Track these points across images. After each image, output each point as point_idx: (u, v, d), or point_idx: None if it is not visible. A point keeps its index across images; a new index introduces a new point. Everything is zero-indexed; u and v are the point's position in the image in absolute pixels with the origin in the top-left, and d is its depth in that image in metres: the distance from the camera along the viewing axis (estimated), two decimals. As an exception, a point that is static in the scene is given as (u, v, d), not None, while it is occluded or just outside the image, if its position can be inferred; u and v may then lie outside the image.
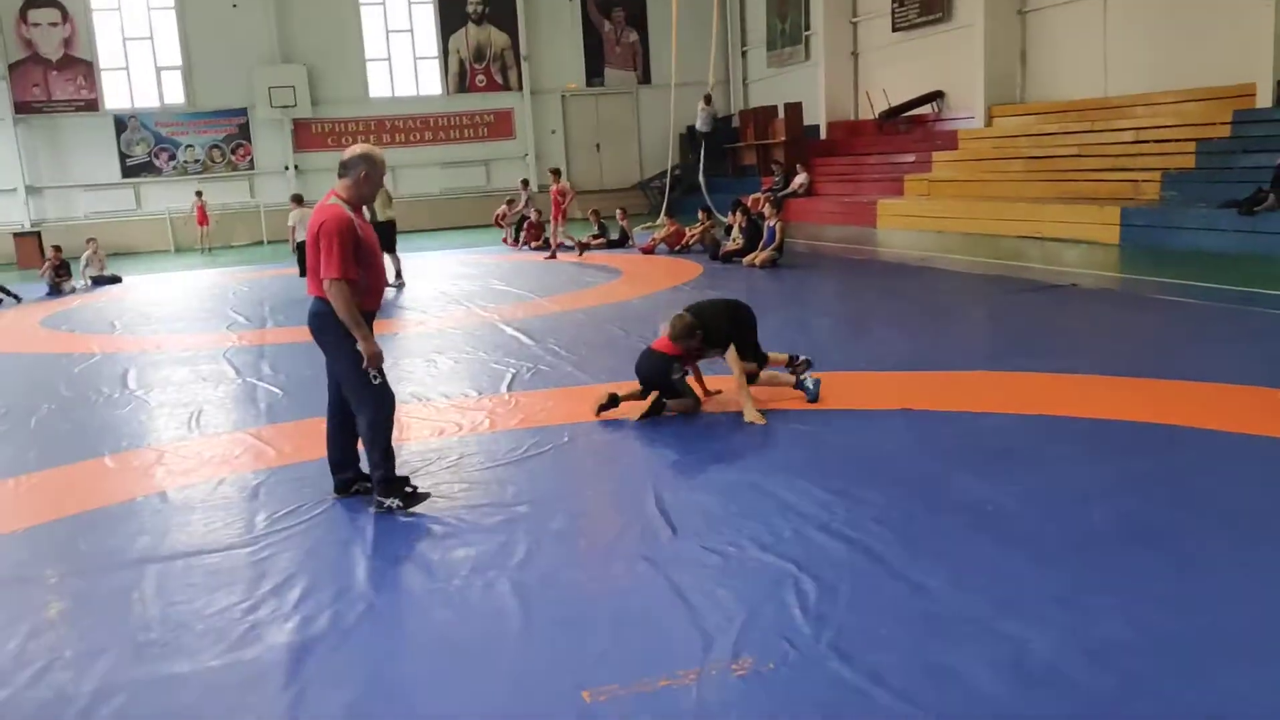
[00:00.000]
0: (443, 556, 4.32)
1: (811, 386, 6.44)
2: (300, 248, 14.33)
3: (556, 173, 17.88)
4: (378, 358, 4.74)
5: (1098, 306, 9.53)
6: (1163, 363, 6.96)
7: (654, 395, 6.29)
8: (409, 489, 4.95)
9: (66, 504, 5.30)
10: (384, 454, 4.87)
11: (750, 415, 6.06)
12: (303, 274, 14.02)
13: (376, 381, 4.80)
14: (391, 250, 14.11)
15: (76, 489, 5.60)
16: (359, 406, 4.84)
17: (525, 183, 21.21)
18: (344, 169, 4.80)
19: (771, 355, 6.77)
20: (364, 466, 5.07)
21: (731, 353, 6.31)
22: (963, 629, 3.37)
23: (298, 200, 15.38)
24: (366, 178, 4.78)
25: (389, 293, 13.43)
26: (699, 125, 22.64)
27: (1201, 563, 3.80)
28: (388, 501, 4.85)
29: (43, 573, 4.36)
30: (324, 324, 4.75)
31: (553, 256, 16.95)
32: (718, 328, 6.38)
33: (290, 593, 3.99)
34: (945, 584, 3.71)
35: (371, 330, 4.79)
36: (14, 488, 5.69)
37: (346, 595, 3.95)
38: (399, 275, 14.23)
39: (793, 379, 6.59)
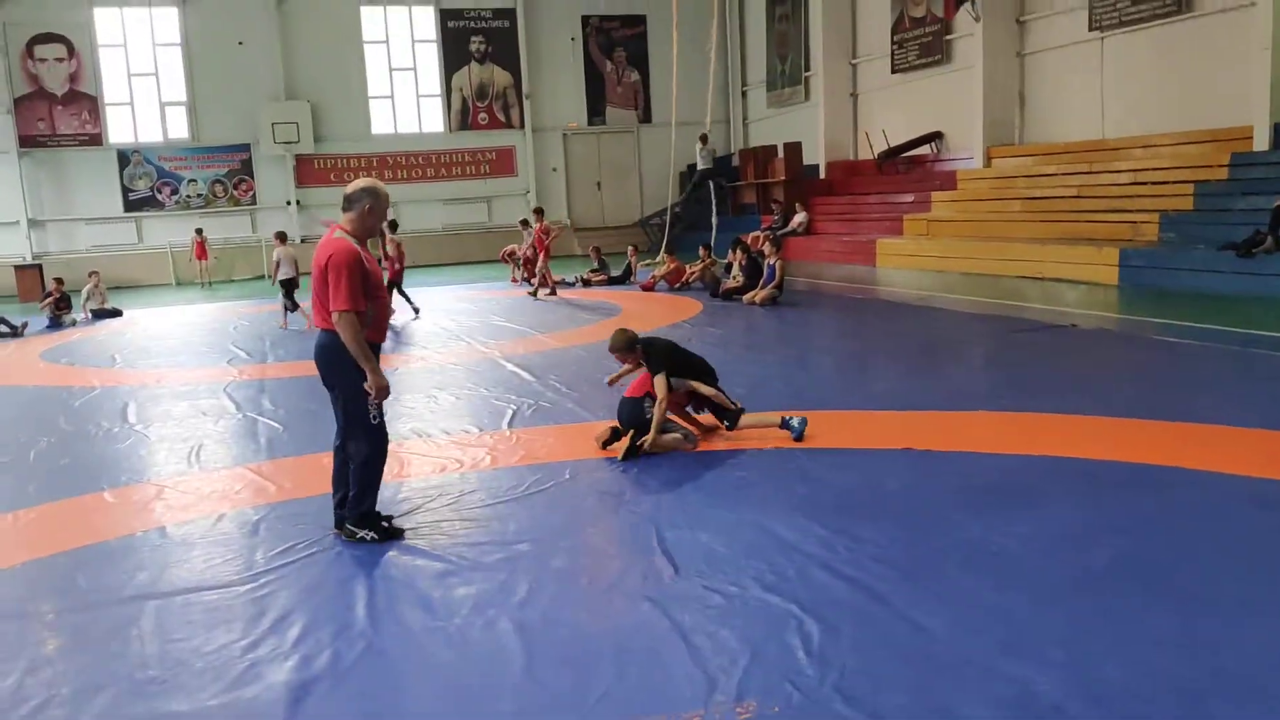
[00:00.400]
0: (443, 595, 4.30)
1: (797, 425, 6.45)
2: (284, 284, 14.40)
3: (539, 212, 17.74)
4: (385, 390, 4.79)
5: (1097, 347, 9.55)
6: (1162, 404, 6.97)
7: (630, 434, 6.32)
8: (385, 524, 5.01)
9: (65, 539, 5.29)
10: (370, 488, 4.96)
11: (649, 440, 6.19)
12: (288, 310, 14.13)
13: (375, 421, 4.87)
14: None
15: (75, 523, 5.58)
16: (356, 440, 4.90)
17: (525, 222, 21.16)
18: (348, 203, 4.83)
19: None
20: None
21: (660, 378, 6.34)
22: (966, 671, 3.35)
23: (281, 238, 15.40)
24: (370, 211, 4.82)
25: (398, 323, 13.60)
26: (700, 164, 22.81)
27: (1203, 604, 3.79)
28: (361, 533, 4.92)
29: (41, 608, 4.34)
30: (330, 357, 4.80)
31: (552, 293, 16.93)
32: (660, 355, 6.47)
33: (290, 630, 3.97)
34: (948, 625, 3.69)
35: (378, 362, 4.81)
36: (13, 522, 5.67)
37: (346, 633, 3.93)
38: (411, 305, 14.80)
39: (778, 418, 6.60)
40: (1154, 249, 13.79)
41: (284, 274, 14.55)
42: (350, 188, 4.88)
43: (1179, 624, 3.63)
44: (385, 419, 4.98)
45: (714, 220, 22.16)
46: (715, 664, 3.48)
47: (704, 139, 22.80)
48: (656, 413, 6.29)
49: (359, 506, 4.96)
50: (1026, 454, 5.86)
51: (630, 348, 6.59)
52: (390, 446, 5.17)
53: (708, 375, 6.78)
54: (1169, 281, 12.85)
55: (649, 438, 6.25)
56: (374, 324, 4.83)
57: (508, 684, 3.47)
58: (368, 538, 4.91)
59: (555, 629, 3.91)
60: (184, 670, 3.66)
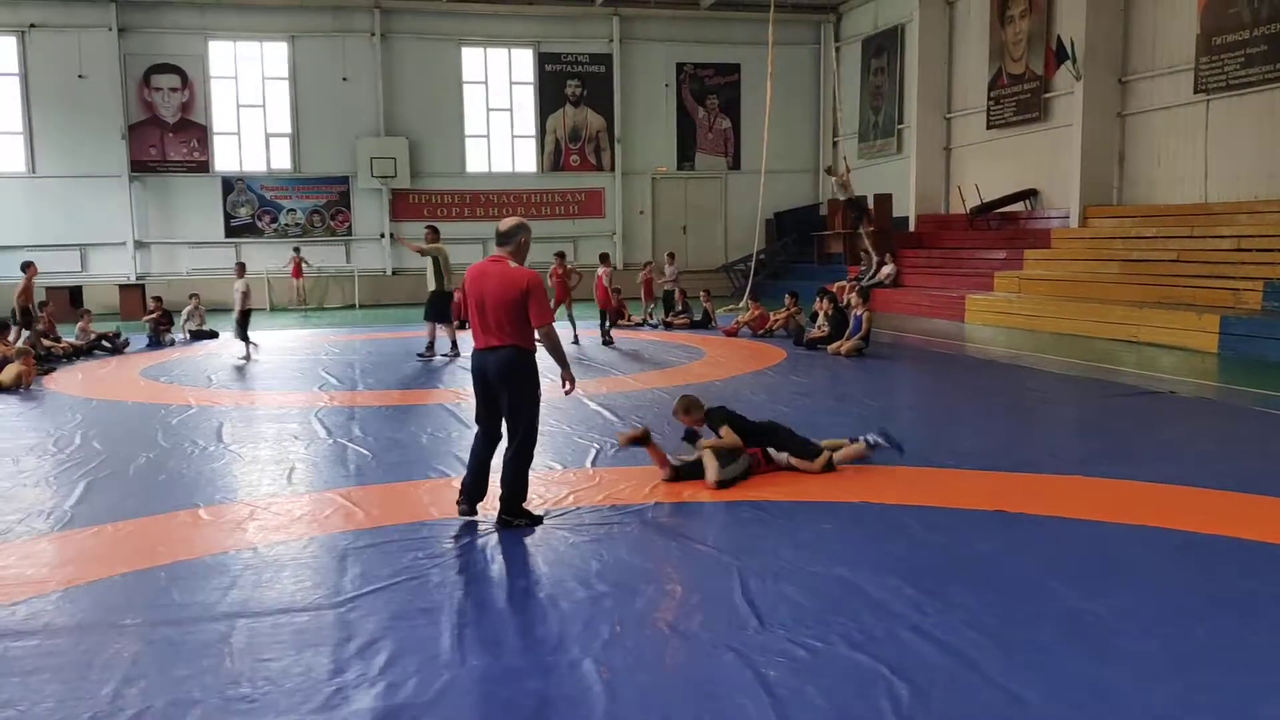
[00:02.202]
0: (526, 632, 4.31)
1: (885, 439, 7.04)
2: (244, 315, 14.56)
3: (561, 256, 17.36)
4: (574, 382, 5.94)
5: (1197, 415, 9.26)
6: (1265, 478, 6.71)
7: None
8: (533, 512, 5.86)
9: (161, 553, 5.42)
10: (525, 482, 5.84)
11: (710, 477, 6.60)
12: (239, 338, 14.28)
13: (537, 422, 5.83)
14: (447, 320, 14.26)
15: (171, 538, 5.73)
16: (524, 437, 5.77)
17: (672, 255, 21.06)
18: (505, 238, 5.75)
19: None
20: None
21: (725, 428, 6.84)
22: (1063, 746, 3.24)
23: (241, 269, 15.46)
24: (525, 242, 5.78)
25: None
26: (841, 196, 22.92)
27: (1317, 693, 3.62)
28: (516, 520, 5.74)
29: (138, 620, 4.45)
30: (512, 368, 5.67)
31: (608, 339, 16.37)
32: (719, 416, 6.97)
33: (376, 658, 4.01)
34: (1044, 697, 3.58)
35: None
36: (112, 533, 5.84)
37: (431, 664, 3.95)
38: (454, 346, 14.20)
39: (862, 445, 7.09)
40: (1257, 317, 13.36)
41: (246, 304, 14.78)
42: (505, 225, 5.79)
43: (1288, 711, 3.47)
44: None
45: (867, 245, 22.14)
46: (802, 720, 3.42)
47: (828, 170, 22.91)
48: (723, 442, 6.76)
49: (513, 496, 5.78)
50: (1123, 522, 5.68)
51: (690, 411, 7.04)
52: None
53: (771, 437, 7.07)
54: (1272, 351, 12.43)
55: (710, 470, 6.63)
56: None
57: (591, 726, 3.45)
58: (520, 524, 5.71)
59: (637, 674, 3.88)
60: (274, 690, 3.72)
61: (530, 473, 5.97)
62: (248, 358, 14.36)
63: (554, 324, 5.83)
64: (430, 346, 14.20)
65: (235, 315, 14.95)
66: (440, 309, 14.25)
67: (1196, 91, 16.70)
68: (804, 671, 3.84)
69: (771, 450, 6.98)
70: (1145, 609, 4.41)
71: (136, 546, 5.60)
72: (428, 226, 15.10)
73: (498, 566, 5.18)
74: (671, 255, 20.52)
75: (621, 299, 19.53)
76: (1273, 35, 15.32)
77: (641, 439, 6.80)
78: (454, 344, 14.20)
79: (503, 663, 3.99)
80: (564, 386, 5.96)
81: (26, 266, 15.04)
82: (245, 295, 14.95)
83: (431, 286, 14.17)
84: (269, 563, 5.23)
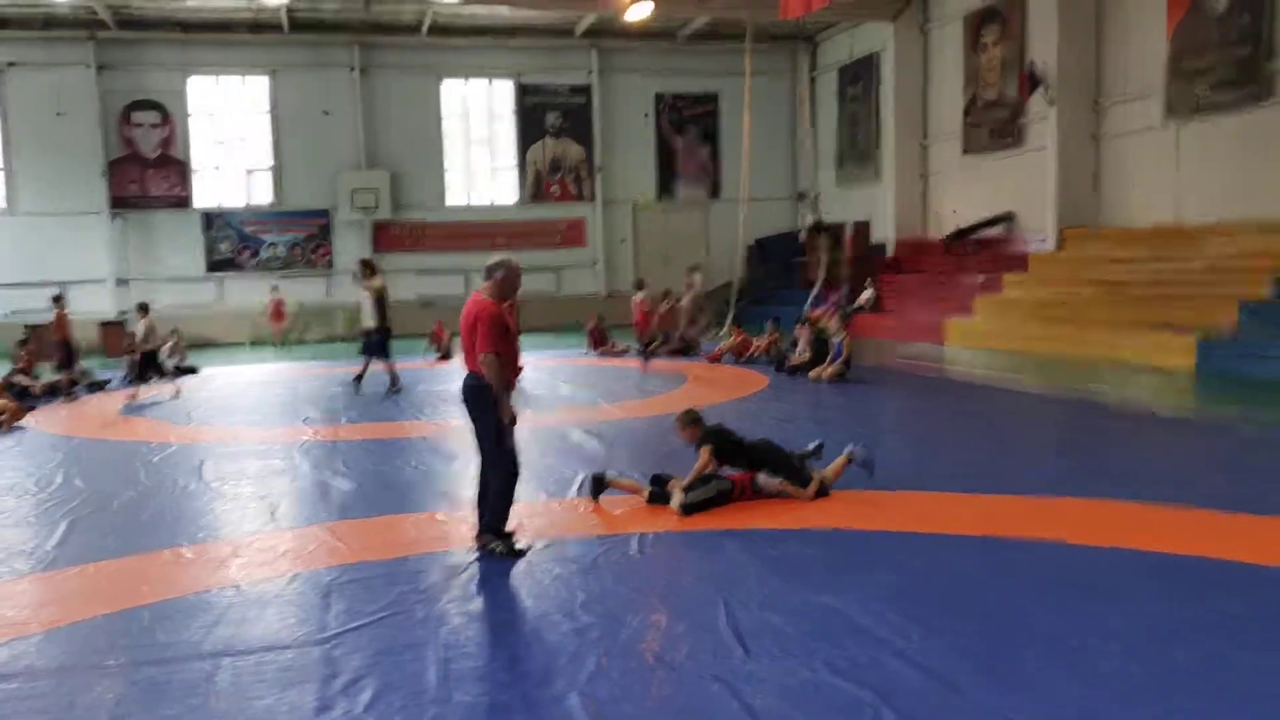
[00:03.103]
0: (511, 665, 4.30)
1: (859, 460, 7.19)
2: (146, 356, 14.29)
3: (639, 284, 17.43)
4: (513, 418, 5.84)
5: (1176, 435, 9.34)
6: (1244, 496, 6.77)
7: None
8: (514, 542, 5.87)
9: (145, 592, 5.39)
10: (503, 509, 5.89)
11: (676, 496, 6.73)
12: (141, 378, 14.03)
13: (507, 446, 5.85)
14: (387, 356, 13.88)
15: (154, 577, 5.69)
16: (493, 465, 5.89)
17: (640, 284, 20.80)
18: (487, 272, 5.97)
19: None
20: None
21: (704, 449, 7.02)
22: (1048, 769, 3.26)
23: (144, 310, 14.96)
24: (504, 279, 5.95)
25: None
26: (809, 219, 23.07)
27: (1298, 712, 3.65)
28: (494, 544, 5.83)
29: (122, 660, 4.42)
30: (474, 395, 5.87)
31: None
32: (708, 434, 7.16)
33: (361, 694, 4.00)
34: (1029, 720, 3.60)
35: (509, 398, 5.85)
36: (94, 574, 5.80)
37: (417, 700, 3.95)
38: (394, 380, 13.96)
39: (845, 458, 7.27)
40: (1232, 337, 13.51)
41: (150, 344, 14.47)
42: (492, 259, 6.01)
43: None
44: (516, 448, 5.91)
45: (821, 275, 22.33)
46: (788, 749, 3.43)
47: (801, 195, 23.08)
48: (692, 471, 6.90)
49: (494, 523, 5.89)
50: (1107, 545, 5.72)
51: (688, 425, 7.27)
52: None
53: (765, 458, 7.14)
54: (1248, 369, 12.57)
55: (675, 495, 6.74)
56: (508, 365, 5.88)
57: (578, 759, 3.45)
58: (496, 549, 5.81)
59: (623, 705, 3.88)
60: (258, 730, 3.71)
61: (515, 503, 5.99)
62: (157, 394, 13.90)
63: (495, 353, 5.73)
64: (359, 379, 13.95)
65: (136, 357, 14.41)
66: (379, 345, 13.90)
67: (1167, 115, 16.95)
68: (790, 700, 3.85)
69: (762, 477, 6.99)
70: (1128, 631, 4.44)
71: (119, 586, 5.56)
72: (361, 261, 14.72)
73: (482, 600, 5.18)
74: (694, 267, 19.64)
75: (604, 326, 19.59)
76: (1242, 59, 15.58)
77: (597, 487, 7.04)
78: (394, 378, 13.95)
79: (489, 698, 3.99)
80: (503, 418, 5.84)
81: (57, 300, 14.87)
82: (146, 337, 14.45)
83: (370, 323, 13.85)
84: (252, 600, 5.21)
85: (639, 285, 18.65)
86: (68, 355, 14.12)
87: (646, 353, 16.80)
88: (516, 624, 4.77)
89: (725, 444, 7.14)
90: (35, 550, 6.30)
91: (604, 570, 5.58)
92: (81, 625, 4.91)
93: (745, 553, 5.86)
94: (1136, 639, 4.35)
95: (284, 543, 6.33)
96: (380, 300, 13.89)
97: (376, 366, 14.05)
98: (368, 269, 14.17)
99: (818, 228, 23.54)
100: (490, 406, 5.80)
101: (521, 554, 5.81)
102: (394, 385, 13.87)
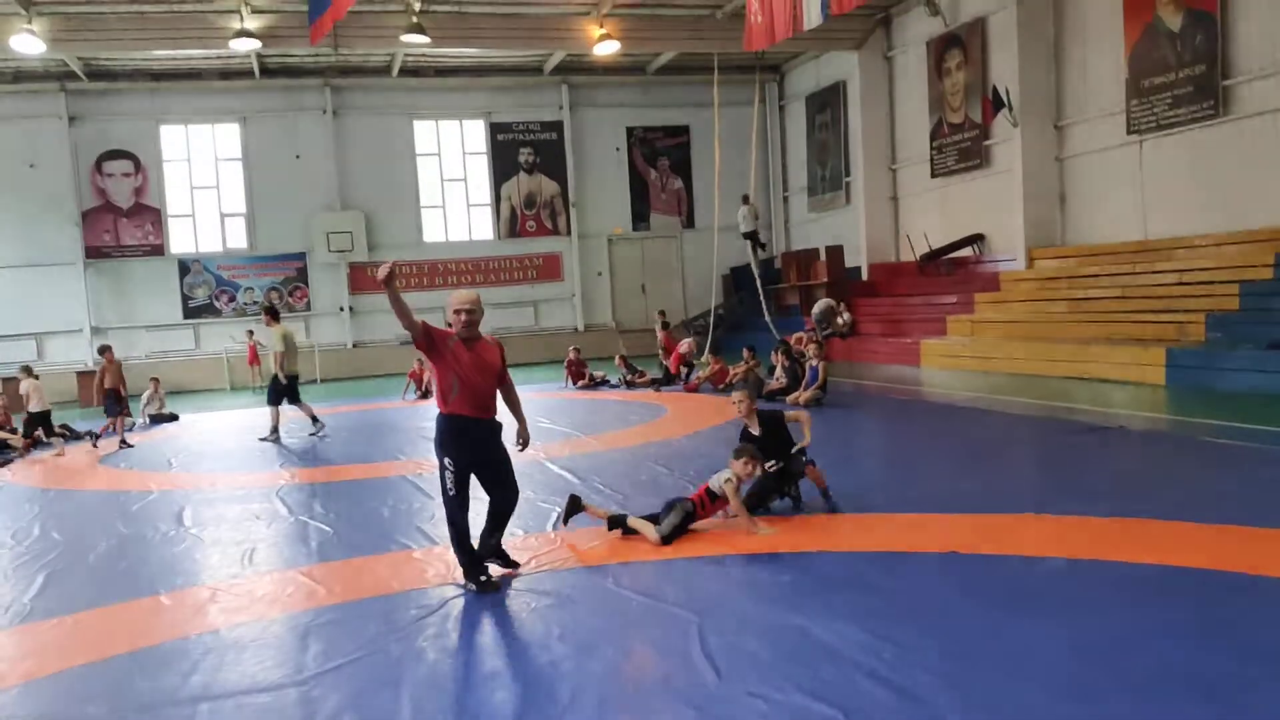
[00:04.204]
0: (487, 700, 4.35)
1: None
2: (34, 417, 14.22)
3: (661, 314, 18.00)
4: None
5: (1145, 449, 9.48)
6: (1210, 507, 6.89)
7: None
8: (483, 578, 5.99)
9: (123, 641, 5.42)
10: (455, 544, 6.05)
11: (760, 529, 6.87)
12: (27, 435, 13.87)
13: (451, 492, 6.00)
14: (295, 402, 13.99)
15: (133, 626, 5.72)
16: (515, 492, 6.30)
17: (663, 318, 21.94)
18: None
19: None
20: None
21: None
22: (1012, 780, 3.34)
23: (27, 371, 14.99)
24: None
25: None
26: (743, 226, 23.25)
27: (1255, 714, 3.73)
28: (464, 582, 6.04)
29: (102, 709, 4.45)
30: (495, 434, 6.13)
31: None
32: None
33: (339, 733, 4.04)
34: (994, 733, 3.68)
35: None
36: (73, 624, 5.82)
37: (394, 737, 3.99)
38: (315, 420, 14.08)
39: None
40: (1201, 349, 13.71)
41: (35, 406, 14.34)
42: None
43: (1229, 733, 3.58)
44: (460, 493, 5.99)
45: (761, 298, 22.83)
46: (758, 770, 3.50)
47: (745, 199, 23.44)
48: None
49: (461, 563, 6.08)
50: (1073, 558, 5.82)
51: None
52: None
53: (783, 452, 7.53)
54: (1217, 381, 12.76)
55: (649, 534, 6.85)
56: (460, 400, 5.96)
57: (552, 789, 3.50)
58: (468, 586, 5.96)
59: (600, 734, 3.94)
60: (236, 773, 3.74)
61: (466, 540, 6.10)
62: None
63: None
64: (275, 431, 13.80)
65: (22, 419, 14.33)
66: (287, 391, 13.92)
67: (1129, 133, 17.25)
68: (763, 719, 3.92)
69: (714, 486, 7.03)
70: (1094, 643, 4.52)
71: (97, 636, 5.58)
72: (265, 309, 14.83)
73: (459, 637, 5.22)
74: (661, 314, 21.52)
75: (581, 358, 19.69)
76: (1197, 76, 15.91)
77: (573, 507, 7.25)
78: (314, 419, 14.05)
79: (465, 731, 4.04)
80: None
81: (104, 351, 14.90)
82: (30, 397, 14.33)
83: (275, 370, 13.88)
84: (230, 644, 5.24)
85: (662, 318, 20.71)
86: (118, 402, 14.24)
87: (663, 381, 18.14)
88: (492, 658, 4.81)
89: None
90: (13, 604, 6.30)
91: (580, 602, 5.64)
92: (61, 676, 4.94)
93: (717, 579, 5.93)
94: (1102, 650, 4.43)
95: (262, 586, 6.37)
96: (287, 346, 13.98)
97: (293, 413, 14.13)
98: (270, 316, 14.34)
99: (747, 235, 24.19)
100: (437, 440, 6.00)
101: (491, 588, 5.91)
102: (316, 424, 14.01)
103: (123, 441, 14.08)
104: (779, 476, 7.40)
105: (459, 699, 4.39)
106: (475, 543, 6.10)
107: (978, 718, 3.82)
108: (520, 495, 6.39)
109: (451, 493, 5.93)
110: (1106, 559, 5.76)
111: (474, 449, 6.00)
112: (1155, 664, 4.24)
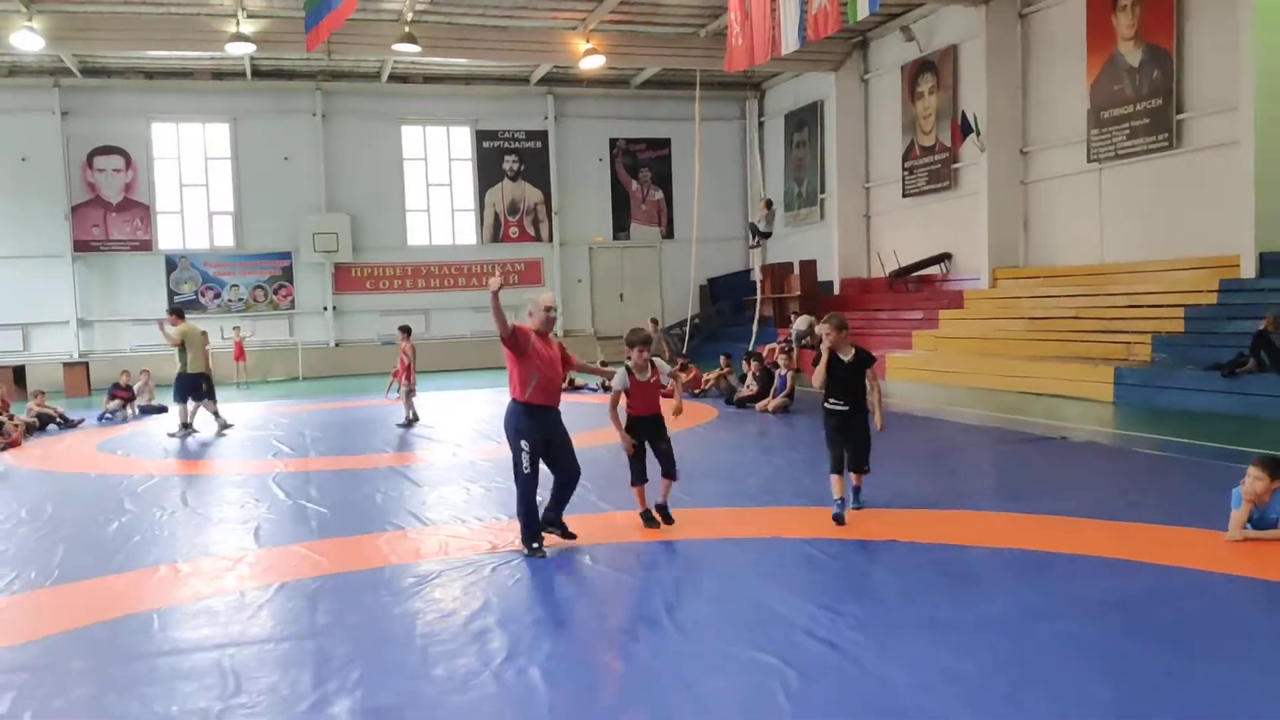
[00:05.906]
0: (480, 647, 5.01)
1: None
2: None
3: (406, 331, 16.49)
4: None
5: (1081, 458, 10.25)
6: (1127, 508, 7.64)
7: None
8: (535, 545, 6.82)
9: (150, 600, 6.06)
10: (521, 514, 6.93)
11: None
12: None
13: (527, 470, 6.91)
14: (200, 399, 14.60)
15: (159, 588, 6.35)
16: (578, 472, 7.19)
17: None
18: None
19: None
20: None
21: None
22: (918, 716, 4.04)
23: None
24: (531, 312, 7.20)
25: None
26: (762, 226, 23.65)
27: (1136, 677, 4.43)
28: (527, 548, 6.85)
29: (145, 651, 5.11)
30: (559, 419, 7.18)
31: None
32: None
33: (351, 674, 4.70)
34: (906, 681, 4.39)
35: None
36: (103, 586, 6.44)
37: (399, 675, 4.67)
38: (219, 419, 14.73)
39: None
40: (1147, 369, 14.54)
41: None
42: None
43: (1112, 692, 4.25)
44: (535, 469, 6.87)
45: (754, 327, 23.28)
46: (714, 704, 4.19)
47: (769, 204, 23.92)
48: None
49: (523, 531, 6.90)
50: (997, 546, 6.57)
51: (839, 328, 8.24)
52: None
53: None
54: (1160, 399, 13.58)
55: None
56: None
57: (540, 714, 4.19)
58: (533, 551, 6.78)
59: (581, 675, 4.66)
60: (269, 697, 4.41)
61: (521, 515, 6.94)
62: None
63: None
64: (186, 426, 14.35)
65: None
66: (190, 388, 14.50)
67: (1089, 160, 18.14)
68: (715, 669, 4.62)
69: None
70: (1002, 615, 5.24)
71: (127, 595, 6.22)
72: (171, 310, 15.54)
73: (452, 601, 5.88)
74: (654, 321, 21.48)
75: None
76: (1153, 109, 16.80)
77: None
78: (220, 422, 14.64)
79: (462, 672, 4.70)
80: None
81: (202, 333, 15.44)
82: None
83: (180, 368, 14.57)
84: (248, 604, 5.89)
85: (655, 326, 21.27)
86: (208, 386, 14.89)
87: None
88: (483, 616, 5.48)
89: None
90: (42, 568, 6.91)
91: (560, 578, 6.32)
92: (99, 626, 5.56)
93: (688, 562, 6.63)
94: (1008, 621, 5.15)
95: (270, 558, 7.02)
96: (189, 344, 14.67)
97: (207, 410, 14.74)
98: (176, 316, 15.02)
99: (765, 234, 24.61)
100: (509, 424, 6.95)
101: (541, 554, 6.75)
102: (221, 424, 14.62)
103: (221, 424, 14.66)
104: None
105: (456, 647, 5.04)
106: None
107: (895, 669, 4.52)
108: (505, 486, 7.06)
109: (527, 471, 6.76)
110: (1028, 548, 6.50)
111: (546, 430, 6.90)
112: (1051, 634, 4.95)
